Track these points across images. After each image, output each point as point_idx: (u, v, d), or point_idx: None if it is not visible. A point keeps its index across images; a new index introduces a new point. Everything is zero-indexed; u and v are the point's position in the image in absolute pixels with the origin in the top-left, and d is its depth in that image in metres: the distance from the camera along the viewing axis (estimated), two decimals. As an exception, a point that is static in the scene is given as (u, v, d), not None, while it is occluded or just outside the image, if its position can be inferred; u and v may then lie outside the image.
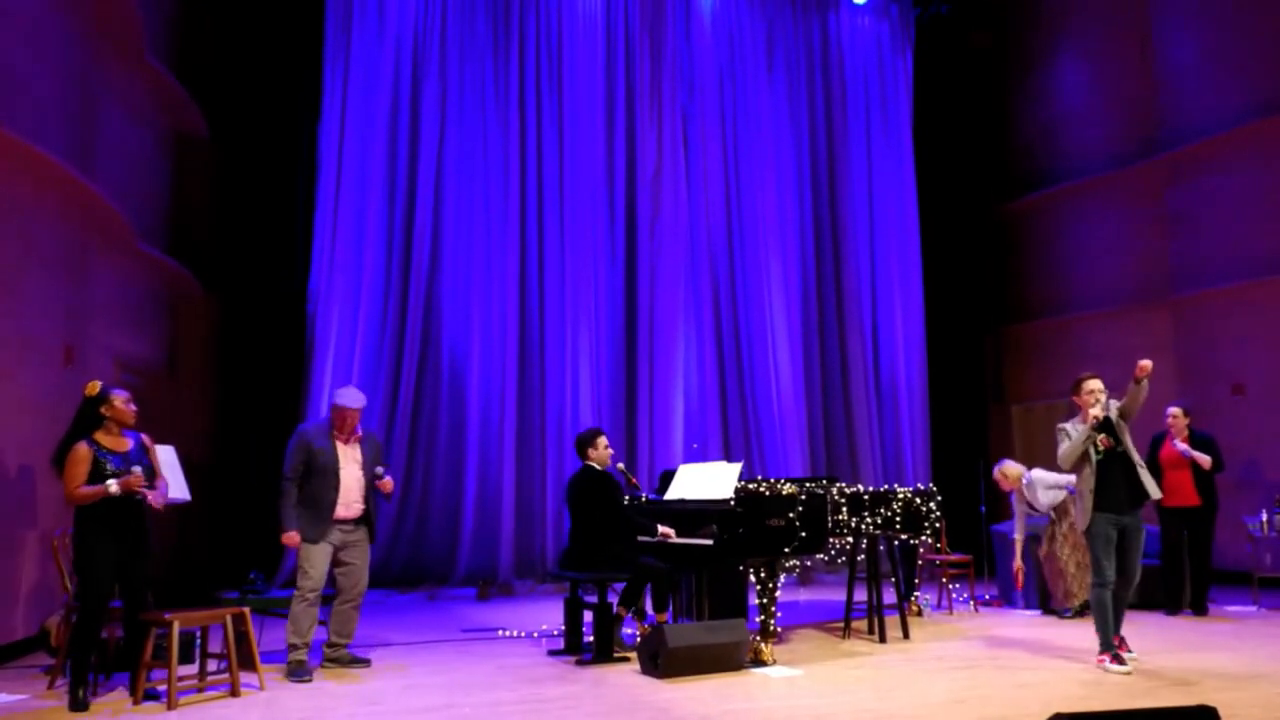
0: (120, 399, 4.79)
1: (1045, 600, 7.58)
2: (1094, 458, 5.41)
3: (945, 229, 11.84)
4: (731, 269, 10.66)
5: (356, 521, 5.59)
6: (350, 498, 5.53)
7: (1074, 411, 5.64)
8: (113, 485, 4.54)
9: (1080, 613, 7.15)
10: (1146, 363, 5.25)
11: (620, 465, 6.46)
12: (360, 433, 5.68)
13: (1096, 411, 5.39)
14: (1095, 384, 5.49)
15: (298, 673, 5.18)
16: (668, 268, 10.21)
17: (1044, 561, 7.53)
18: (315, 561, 5.37)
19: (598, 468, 6.07)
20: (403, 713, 4.47)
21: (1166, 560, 7.40)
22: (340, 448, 5.56)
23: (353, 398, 5.62)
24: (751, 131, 10.86)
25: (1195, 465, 7.33)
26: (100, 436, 4.71)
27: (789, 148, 11.02)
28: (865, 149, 11.38)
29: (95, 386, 4.78)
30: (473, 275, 9.73)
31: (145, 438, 4.95)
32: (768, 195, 10.82)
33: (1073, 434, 5.50)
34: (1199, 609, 7.30)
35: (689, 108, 10.65)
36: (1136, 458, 5.47)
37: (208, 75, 9.49)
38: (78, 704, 4.50)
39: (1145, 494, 5.42)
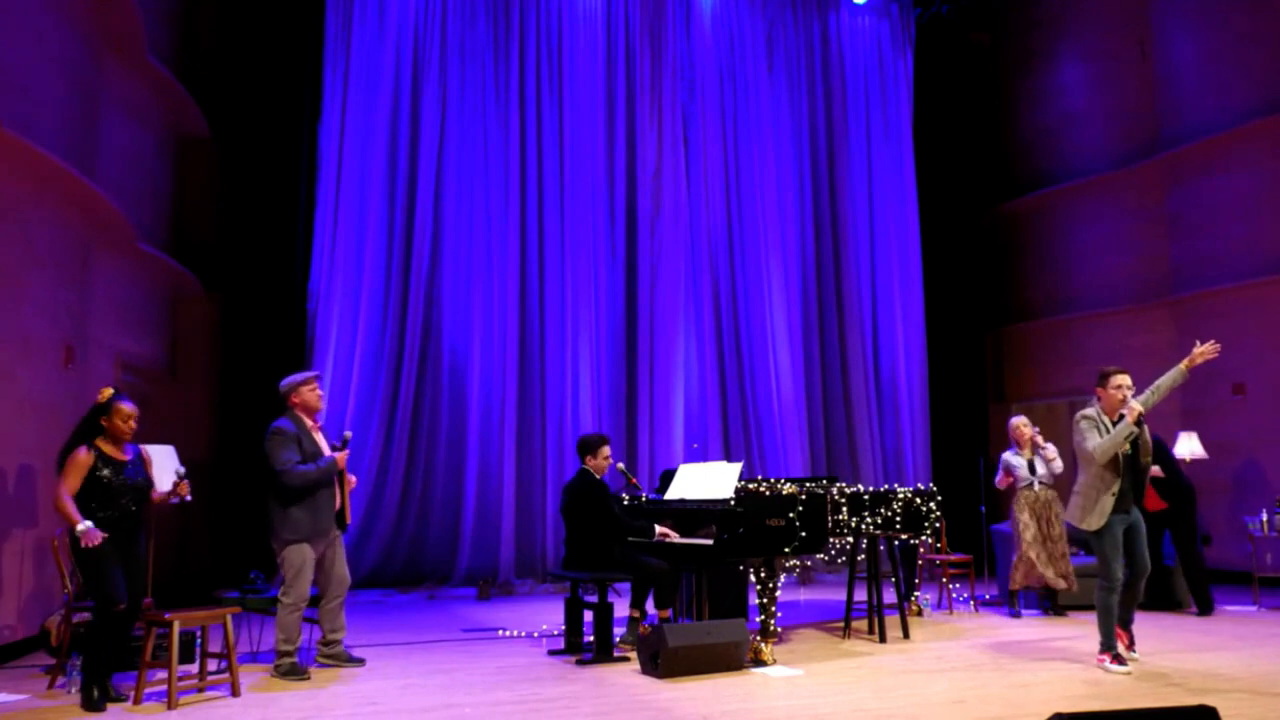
0: (123, 413, 4.74)
1: (1043, 599, 7.57)
2: (1120, 457, 5.28)
3: (945, 229, 11.84)
4: (731, 268, 10.66)
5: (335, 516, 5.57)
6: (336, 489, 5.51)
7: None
8: (80, 527, 4.47)
9: (1053, 607, 7.36)
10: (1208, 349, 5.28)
11: (620, 465, 6.46)
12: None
13: (1138, 407, 5.25)
14: (1125, 379, 5.36)
15: (291, 673, 5.17)
16: (668, 267, 10.22)
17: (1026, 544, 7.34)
18: (304, 572, 5.31)
19: (594, 475, 6.07)
20: (402, 712, 4.47)
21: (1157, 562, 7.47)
22: (319, 439, 5.52)
23: (307, 373, 5.59)
24: (751, 131, 10.86)
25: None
26: (102, 443, 4.70)
27: (789, 147, 11.02)
28: (865, 149, 11.38)
29: (107, 393, 4.76)
30: (473, 275, 9.73)
31: (143, 449, 4.97)
32: (768, 195, 10.82)
33: (1101, 425, 5.34)
34: (1204, 608, 7.31)
35: (689, 108, 10.65)
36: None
37: (208, 75, 9.50)
38: (92, 704, 4.50)
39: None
